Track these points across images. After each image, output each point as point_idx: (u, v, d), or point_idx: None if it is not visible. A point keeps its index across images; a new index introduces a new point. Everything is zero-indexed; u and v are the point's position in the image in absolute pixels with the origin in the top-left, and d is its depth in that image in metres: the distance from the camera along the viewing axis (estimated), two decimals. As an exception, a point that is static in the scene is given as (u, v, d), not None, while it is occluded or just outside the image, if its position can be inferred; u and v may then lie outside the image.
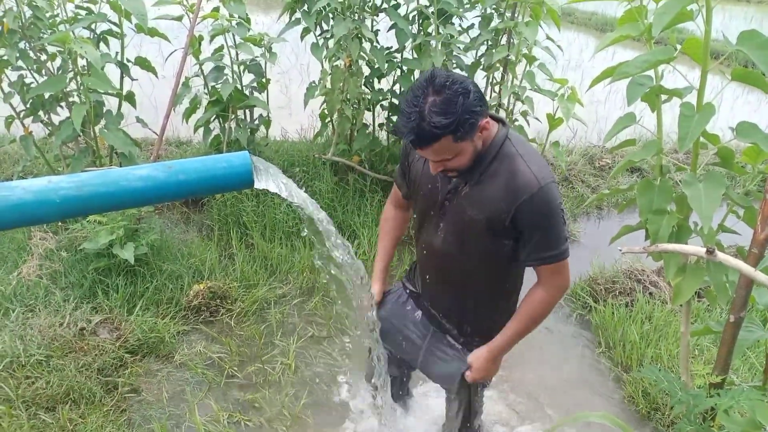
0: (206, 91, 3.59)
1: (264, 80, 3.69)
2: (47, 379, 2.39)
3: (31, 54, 3.14)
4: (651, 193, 1.58)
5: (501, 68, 3.62)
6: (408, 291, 1.97)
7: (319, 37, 3.56)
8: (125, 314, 2.77)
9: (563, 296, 1.67)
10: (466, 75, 1.49)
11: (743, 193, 1.67)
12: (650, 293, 3.23)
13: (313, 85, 3.65)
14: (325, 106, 3.66)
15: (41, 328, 2.61)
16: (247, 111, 3.78)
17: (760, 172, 1.62)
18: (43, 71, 3.23)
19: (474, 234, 1.61)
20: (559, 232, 1.56)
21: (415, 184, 1.74)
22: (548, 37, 3.40)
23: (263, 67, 3.63)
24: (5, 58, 3.08)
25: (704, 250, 1.32)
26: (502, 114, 3.66)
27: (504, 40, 3.57)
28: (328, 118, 3.83)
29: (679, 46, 1.52)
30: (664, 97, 1.63)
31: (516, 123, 3.50)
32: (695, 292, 1.59)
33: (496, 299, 1.76)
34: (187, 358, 2.66)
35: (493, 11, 3.55)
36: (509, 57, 3.39)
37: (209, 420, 2.37)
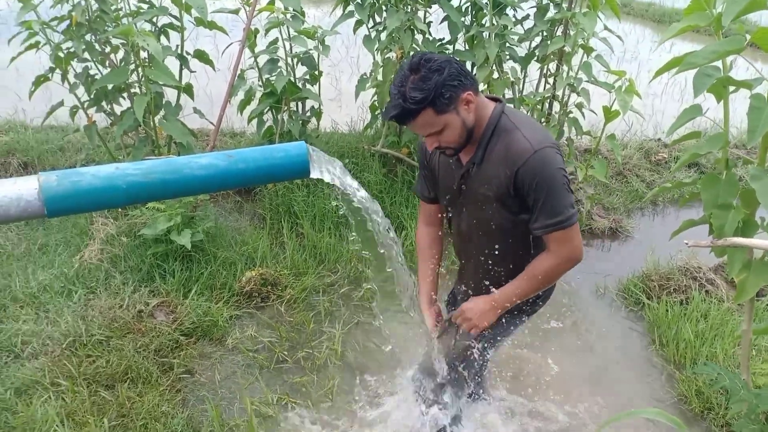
0: (260, 83, 3.65)
1: (316, 73, 3.73)
2: (107, 358, 2.50)
3: (96, 46, 3.27)
4: (716, 187, 1.53)
5: (556, 60, 3.56)
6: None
7: (371, 30, 3.58)
8: (181, 298, 2.86)
9: (573, 267, 1.67)
10: (448, 56, 1.57)
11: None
12: (706, 291, 3.13)
13: (365, 77, 3.67)
14: (375, 98, 3.68)
15: (102, 309, 2.72)
16: (300, 103, 3.83)
17: (833, 167, 1.55)
18: (107, 63, 3.35)
19: (491, 211, 1.68)
20: (561, 198, 1.58)
21: (438, 179, 1.82)
22: (606, 28, 3.32)
23: (316, 59, 3.67)
24: (72, 50, 3.21)
25: (773, 245, 1.27)
26: (557, 106, 3.60)
27: (560, 31, 3.51)
28: (378, 110, 3.85)
29: (748, 36, 1.47)
30: (731, 89, 1.57)
31: (571, 115, 3.44)
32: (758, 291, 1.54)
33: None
34: (239, 342, 2.73)
35: (549, 2, 3.49)
36: (565, 48, 3.32)
37: (260, 402, 2.43)
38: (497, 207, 1.67)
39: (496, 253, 1.77)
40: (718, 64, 1.50)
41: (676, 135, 1.80)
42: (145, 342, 2.60)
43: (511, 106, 1.63)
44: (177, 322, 2.72)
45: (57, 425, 2.14)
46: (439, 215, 1.96)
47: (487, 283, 1.84)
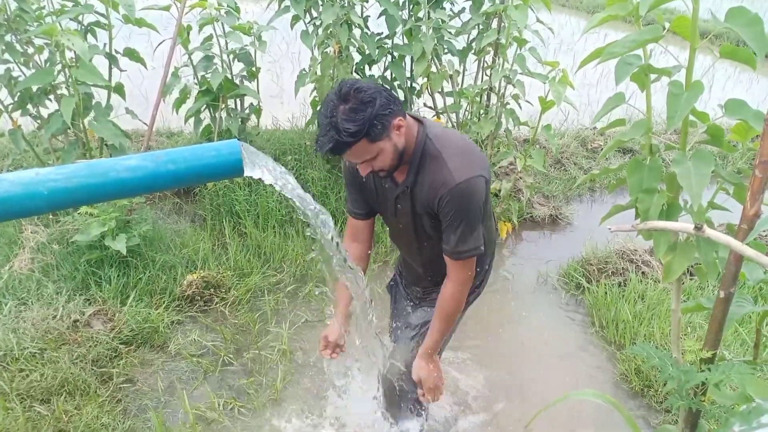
0: (196, 81, 3.56)
1: (254, 69, 3.66)
2: (41, 371, 2.39)
3: (18, 47, 3.11)
4: (641, 172, 1.58)
5: (492, 52, 3.61)
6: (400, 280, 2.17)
7: (308, 25, 3.54)
8: (119, 305, 2.77)
9: (468, 289, 1.81)
10: (373, 83, 1.58)
11: (733, 171, 1.68)
12: (643, 273, 3.25)
13: (304, 72, 3.63)
14: (315, 93, 3.64)
15: (34, 321, 2.60)
16: (238, 100, 3.76)
17: (749, 149, 1.62)
18: (31, 64, 3.19)
19: (425, 222, 1.77)
20: (471, 231, 1.69)
21: (371, 198, 1.87)
22: (539, 20, 3.38)
23: (253, 55, 3.60)
24: (-9, 51, 3.04)
25: (692, 226, 1.32)
26: (494, 99, 3.65)
27: (495, 24, 3.56)
28: (319, 106, 3.82)
29: (667, 25, 1.52)
30: (653, 76, 1.62)
31: (508, 106, 3.50)
32: (686, 270, 1.59)
33: None
34: (182, 348, 2.66)
35: (483, -5, 3.53)
36: (500, 41, 3.38)
37: (206, 407, 2.38)
38: (430, 220, 1.76)
39: (434, 248, 1.82)
40: (639, 52, 1.54)
41: (604, 123, 1.84)
42: (82, 352, 2.50)
43: (439, 123, 1.65)
44: (115, 331, 2.63)
45: (-12, 445, 2.04)
46: (368, 232, 1.99)
47: (427, 272, 1.94)
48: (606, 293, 3.07)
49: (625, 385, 2.63)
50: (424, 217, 1.75)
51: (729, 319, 1.48)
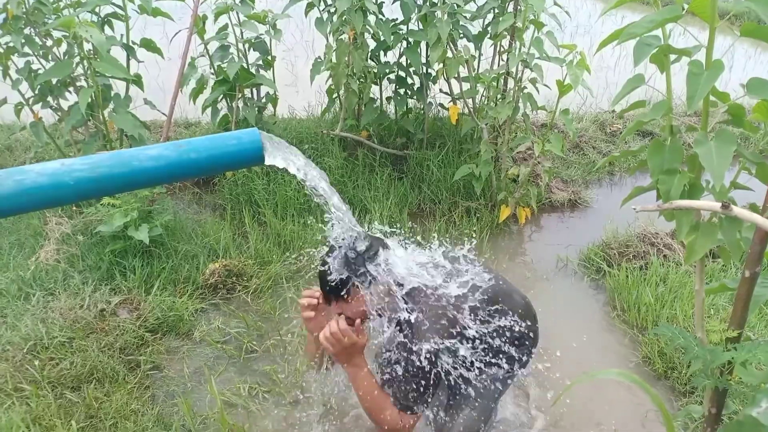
0: (212, 70, 3.58)
1: (269, 58, 3.68)
2: (71, 359, 2.44)
3: (37, 40, 3.16)
4: (662, 154, 1.57)
5: (508, 36, 3.57)
6: None
7: (323, 12, 3.54)
8: (143, 294, 2.82)
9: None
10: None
11: (756, 151, 1.66)
12: (664, 256, 3.22)
13: (319, 60, 3.63)
14: (331, 81, 3.65)
15: (62, 310, 2.66)
16: (254, 90, 3.78)
17: (773, 128, 1.60)
18: (50, 57, 3.24)
19: None
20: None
21: None
22: (555, 3, 3.35)
23: (268, 44, 3.62)
24: (11, 44, 3.09)
25: (719, 204, 1.31)
26: (511, 83, 3.63)
27: (511, 8, 3.52)
28: (335, 94, 3.83)
29: (686, 5, 1.50)
30: (672, 57, 1.61)
31: (525, 91, 3.47)
32: (709, 253, 1.58)
33: None
34: (206, 335, 2.71)
35: (499, -22, 3.49)
36: (516, 24, 3.34)
37: (231, 393, 2.42)
38: None
39: None
40: (658, 33, 1.53)
41: (624, 106, 1.83)
42: (110, 341, 2.55)
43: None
44: (141, 319, 2.67)
45: (23, 431, 2.09)
46: None
47: None
48: (627, 277, 3.05)
49: (648, 368, 2.62)
50: None
51: (754, 302, 1.48)
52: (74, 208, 3.32)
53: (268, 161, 1.26)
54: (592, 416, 2.38)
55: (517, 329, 1.98)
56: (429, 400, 1.91)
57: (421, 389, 1.85)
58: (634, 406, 2.42)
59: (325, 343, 1.82)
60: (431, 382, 1.86)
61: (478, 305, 1.89)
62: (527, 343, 2.06)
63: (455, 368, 1.90)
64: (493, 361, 1.98)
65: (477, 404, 2.06)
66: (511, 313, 1.98)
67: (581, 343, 2.78)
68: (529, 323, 2.05)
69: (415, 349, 1.77)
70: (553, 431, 2.31)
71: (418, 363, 1.79)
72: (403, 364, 1.82)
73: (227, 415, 2.27)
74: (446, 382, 1.95)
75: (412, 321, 1.78)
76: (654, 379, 2.56)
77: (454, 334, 1.82)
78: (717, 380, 1.43)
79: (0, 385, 2.31)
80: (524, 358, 2.07)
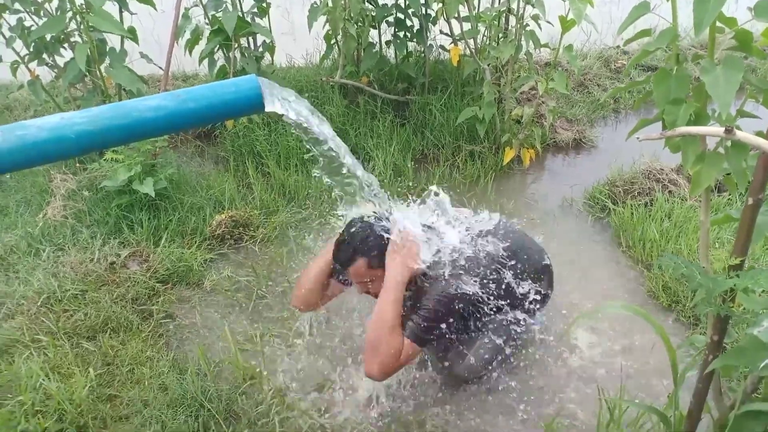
0: (207, 20, 3.51)
1: (264, 5, 3.59)
2: (84, 311, 2.49)
3: (27, -6, 3.08)
4: (667, 83, 1.54)
5: (508, -29, 3.47)
6: None
7: (317, -47, 3.43)
8: (152, 247, 2.85)
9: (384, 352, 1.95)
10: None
11: (764, 77, 1.63)
12: (669, 191, 3.21)
13: (315, 6, 3.55)
14: (328, 26, 3.57)
15: (73, 264, 2.70)
16: (251, 39, 3.70)
17: (781, 54, 1.56)
18: (42, 13, 3.17)
19: None
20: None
21: None
22: (556, -66, 3.23)
23: (263, -10, 3.52)
24: (1, 1, 3.03)
25: (722, 129, 1.30)
26: (513, 21, 3.54)
27: (510, -59, 3.40)
28: (333, 40, 3.75)
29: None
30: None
31: (528, 28, 3.39)
32: (714, 186, 1.58)
33: None
34: (217, 284, 2.75)
35: None
36: (516, -42, 3.24)
37: (243, 339, 2.47)
38: None
39: None
40: (665, -43, 1.48)
41: (627, 36, 1.79)
42: (121, 292, 2.60)
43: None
44: (151, 270, 2.71)
45: (43, 379, 2.16)
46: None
47: None
48: (632, 214, 3.05)
49: (654, 301, 2.65)
50: None
51: (758, 231, 1.48)
52: (78, 164, 3.32)
53: (268, 108, 1.24)
54: (597, 348, 2.43)
55: (535, 280, 2.23)
56: (436, 345, 2.12)
57: (443, 330, 1.97)
58: (640, 337, 2.46)
59: (400, 241, 1.99)
60: (452, 328, 1.98)
61: (503, 253, 2.14)
62: (542, 291, 2.27)
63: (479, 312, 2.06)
64: (510, 304, 2.17)
65: (488, 341, 2.13)
66: (529, 264, 2.21)
67: (588, 280, 2.80)
68: (545, 277, 2.31)
69: (453, 291, 1.95)
70: (560, 362, 2.36)
71: (451, 305, 1.96)
72: (433, 302, 1.96)
73: (240, 359, 2.33)
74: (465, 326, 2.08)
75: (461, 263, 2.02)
76: (659, 312, 2.59)
77: (487, 283, 2.03)
78: (719, 307, 1.45)
79: (17, 337, 2.37)
80: (537, 306, 2.27)
